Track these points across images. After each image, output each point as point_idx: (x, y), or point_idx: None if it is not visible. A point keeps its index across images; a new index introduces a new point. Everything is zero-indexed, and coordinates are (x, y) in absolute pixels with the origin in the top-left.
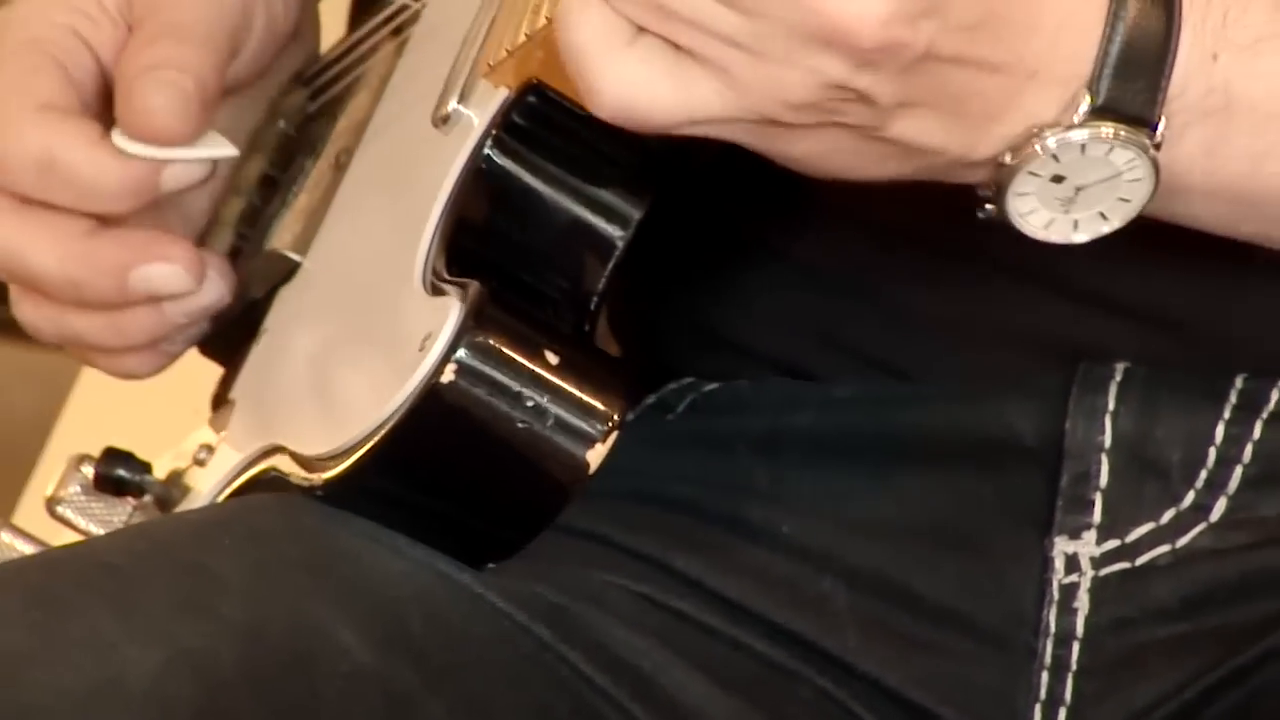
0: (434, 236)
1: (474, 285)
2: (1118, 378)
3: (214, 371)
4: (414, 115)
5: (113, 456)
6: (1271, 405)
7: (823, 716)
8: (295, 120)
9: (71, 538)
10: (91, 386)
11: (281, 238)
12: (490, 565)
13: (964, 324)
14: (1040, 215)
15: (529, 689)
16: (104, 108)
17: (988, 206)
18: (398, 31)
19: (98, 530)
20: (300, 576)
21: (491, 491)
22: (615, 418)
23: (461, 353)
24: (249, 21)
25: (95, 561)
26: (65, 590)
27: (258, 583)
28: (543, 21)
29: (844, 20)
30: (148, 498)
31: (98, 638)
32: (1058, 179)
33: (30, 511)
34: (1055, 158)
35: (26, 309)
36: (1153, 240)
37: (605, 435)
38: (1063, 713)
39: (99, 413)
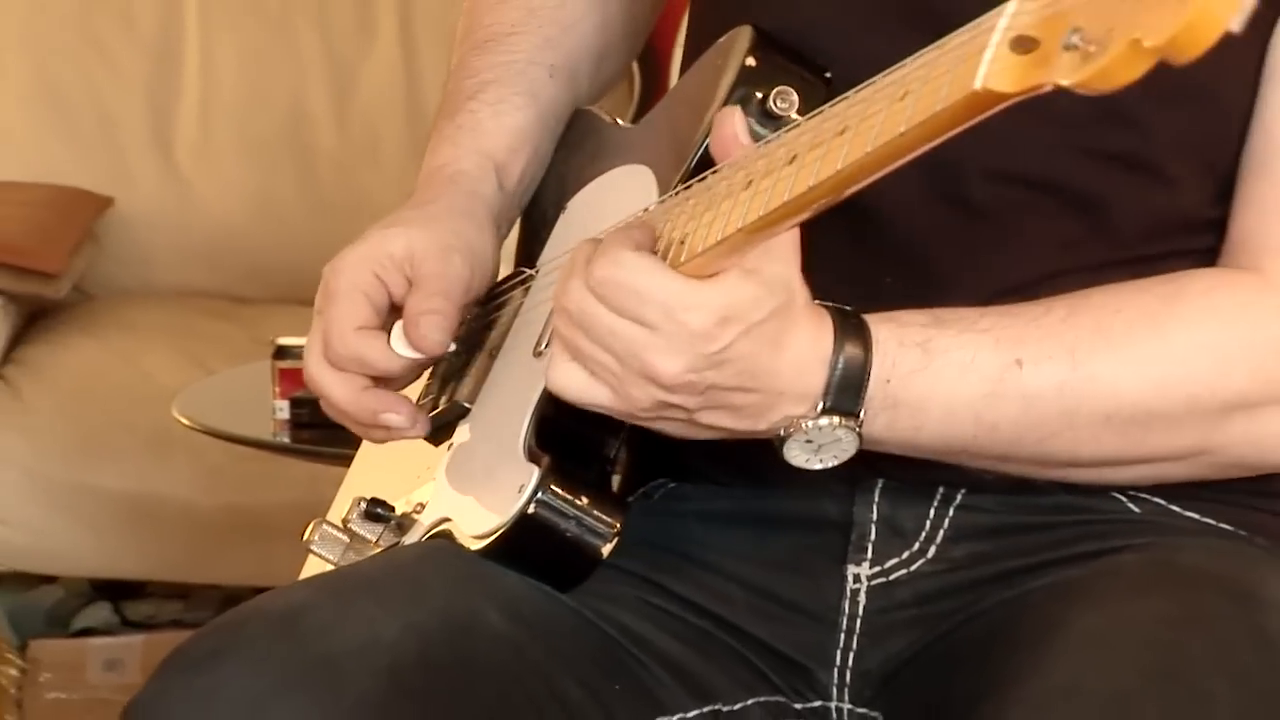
0: (529, 424)
1: (546, 459)
2: (879, 488)
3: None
4: (524, 344)
5: (375, 501)
6: (958, 501)
7: (729, 656)
8: (472, 326)
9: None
10: (360, 465)
11: (462, 393)
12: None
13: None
14: (799, 456)
15: (586, 645)
16: (388, 317)
17: (778, 443)
18: (524, 284)
19: (360, 538)
20: (467, 584)
21: (555, 563)
22: (618, 529)
23: (538, 497)
24: (477, 283)
25: (364, 572)
26: (347, 584)
27: (446, 587)
28: None
29: (659, 370)
30: (393, 520)
31: (365, 615)
32: (809, 441)
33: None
34: (807, 434)
35: (333, 418)
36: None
37: (612, 538)
38: (851, 656)
39: (368, 476)
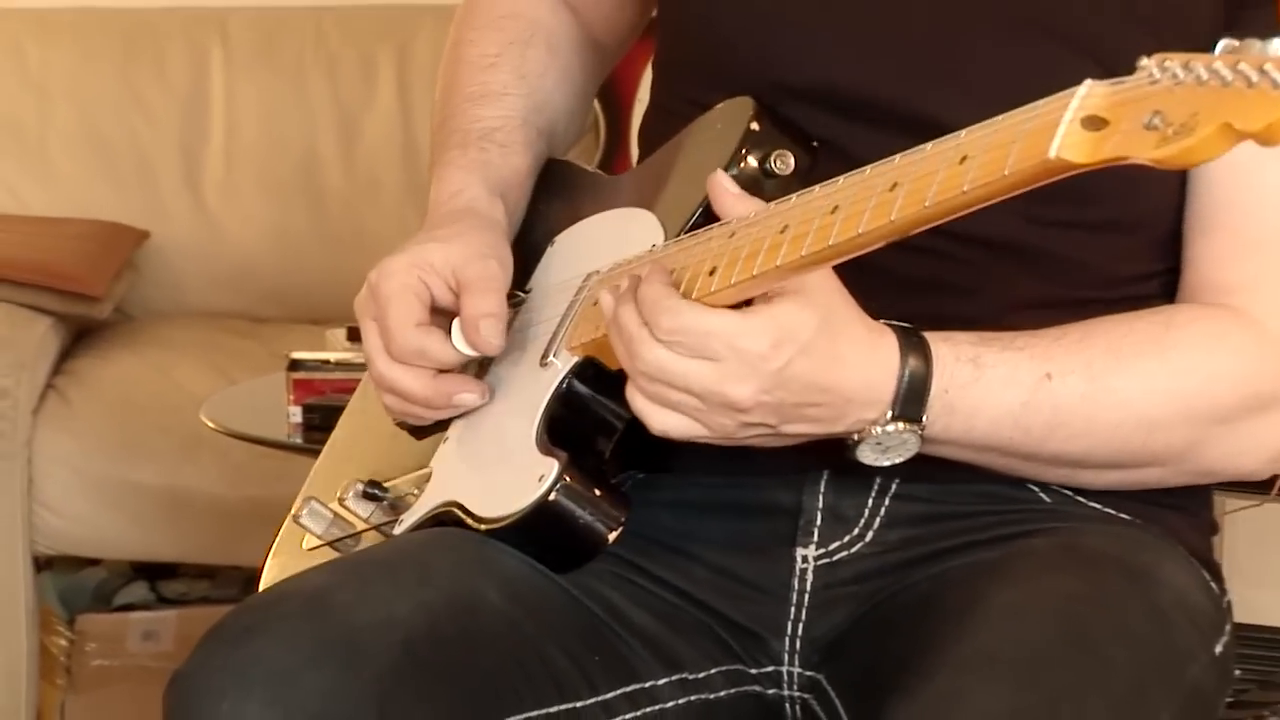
0: (540, 422)
1: (564, 454)
2: (824, 480)
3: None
4: (523, 354)
5: (372, 483)
6: (893, 491)
7: (695, 629)
8: None
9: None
10: (338, 450)
11: None
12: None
13: (757, 455)
14: (869, 456)
15: (572, 620)
16: (433, 319)
17: (851, 446)
18: (516, 307)
19: (348, 515)
20: (470, 566)
21: (562, 546)
22: (623, 519)
23: (558, 486)
24: (508, 274)
25: (379, 557)
26: (365, 568)
27: (452, 569)
28: (601, 334)
29: (734, 398)
30: (387, 500)
31: (381, 596)
32: (879, 444)
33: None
34: (877, 438)
35: (393, 401)
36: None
37: (618, 526)
38: (800, 626)
39: (349, 460)
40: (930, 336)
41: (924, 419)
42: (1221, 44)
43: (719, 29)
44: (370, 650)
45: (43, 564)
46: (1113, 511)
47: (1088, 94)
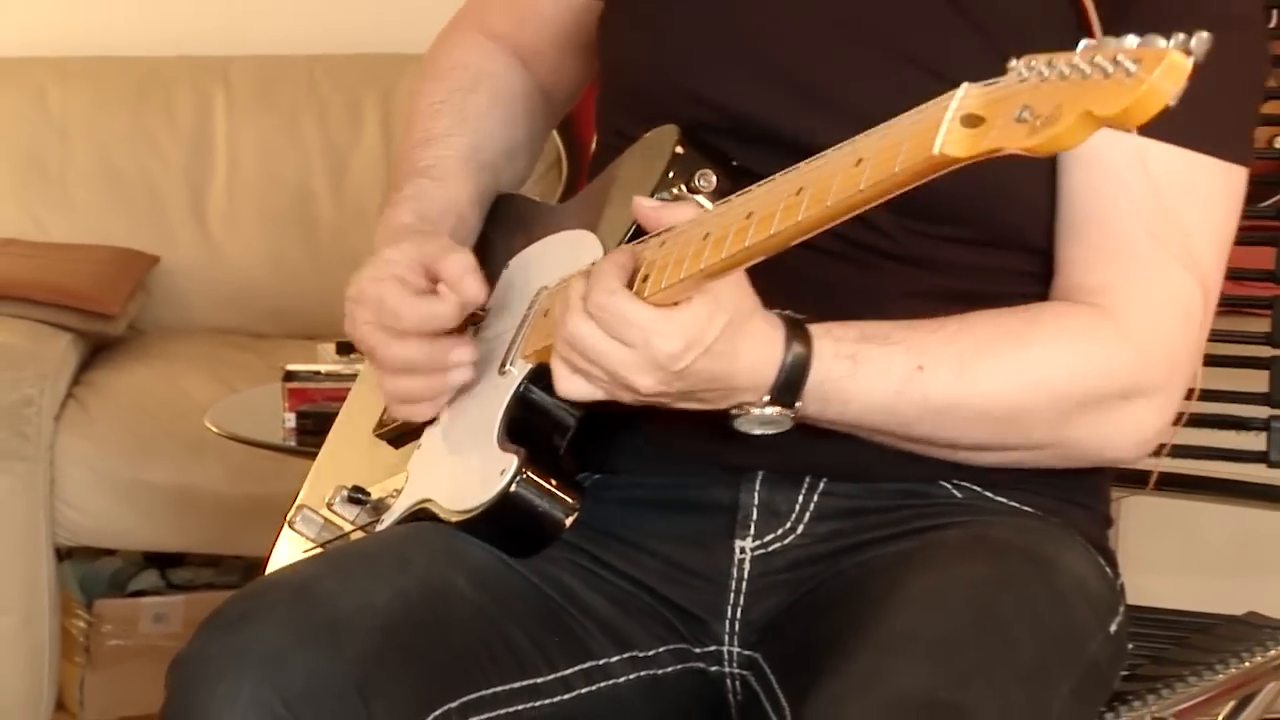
0: (500, 422)
1: (522, 450)
2: (759, 478)
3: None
4: (487, 364)
5: (356, 488)
6: (821, 489)
7: (644, 612)
8: None
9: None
10: (327, 461)
11: None
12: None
13: (699, 458)
14: (746, 427)
15: (533, 604)
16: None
17: (731, 418)
18: (476, 325)
19: (337, 519)
20: (442, 557)
21: (524, 532)
22: (578, 507)
23: (518, 479)
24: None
25: (360, 550)
26: (348, 560)
27: (425, 560)
28: (551, 341)
29: (636, 386)
30: (370, 503)
31: (361, 585)
32: (755, 419)
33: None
34: (754, 415)
35: (400, 383)
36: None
37: (574, 513)
38: (739, 610)
39: (338, 470)
40: (815, 330)
41: (796, 406)
42: (1082, 44)
43: (635, 72)
44: (352, 634)
45: (64, 554)
46: (1018, 506)
47: (965, 95)
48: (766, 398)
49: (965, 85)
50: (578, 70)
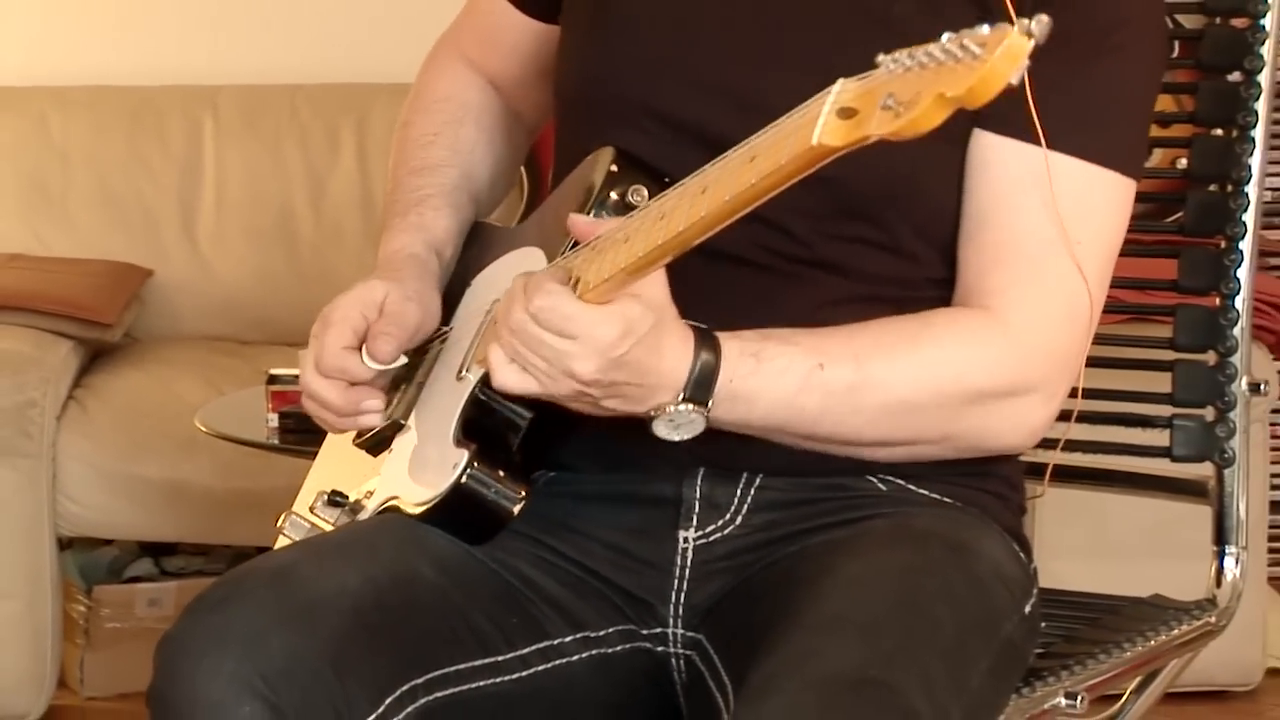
0: (456, 422)
1: (473, 446)
2: (701, 474)
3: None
4: (449, 372)
5: (335, 492)
6: (757, 484)
7: (596, 596)
8: (406, 367)
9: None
10: (317, 469)
11: (398, 412)
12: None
13: (646, 456)
14: (663, 430)
15: (493, 589)
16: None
17: (649, 421)
18: (440, 338)
19: (320, 523)
20: (409, 546)
21: (476, 521)
22: (525, 495)
23: (468, 472)
24: (427, 324)
25: (334, 539)
26: (323, 548)
27: (393, 549)
28: None
29: (578, 371)
30: (348, 505)
31: (335, 571)
32: (671, 420)
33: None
34: (670, 416)
35: (313, 408)
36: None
37: (520, 502)
38: (683, 595)
39: (325, 476)
40: (722, 336)
41: (709, 403)
42: (944, 36)
43: (591, 87)
44: (326, 615)
45: (65, 544)
46: (939, 497)
47: (840, 90)
48: (681, 395)
49: (841, 81)
50: (545, 94)
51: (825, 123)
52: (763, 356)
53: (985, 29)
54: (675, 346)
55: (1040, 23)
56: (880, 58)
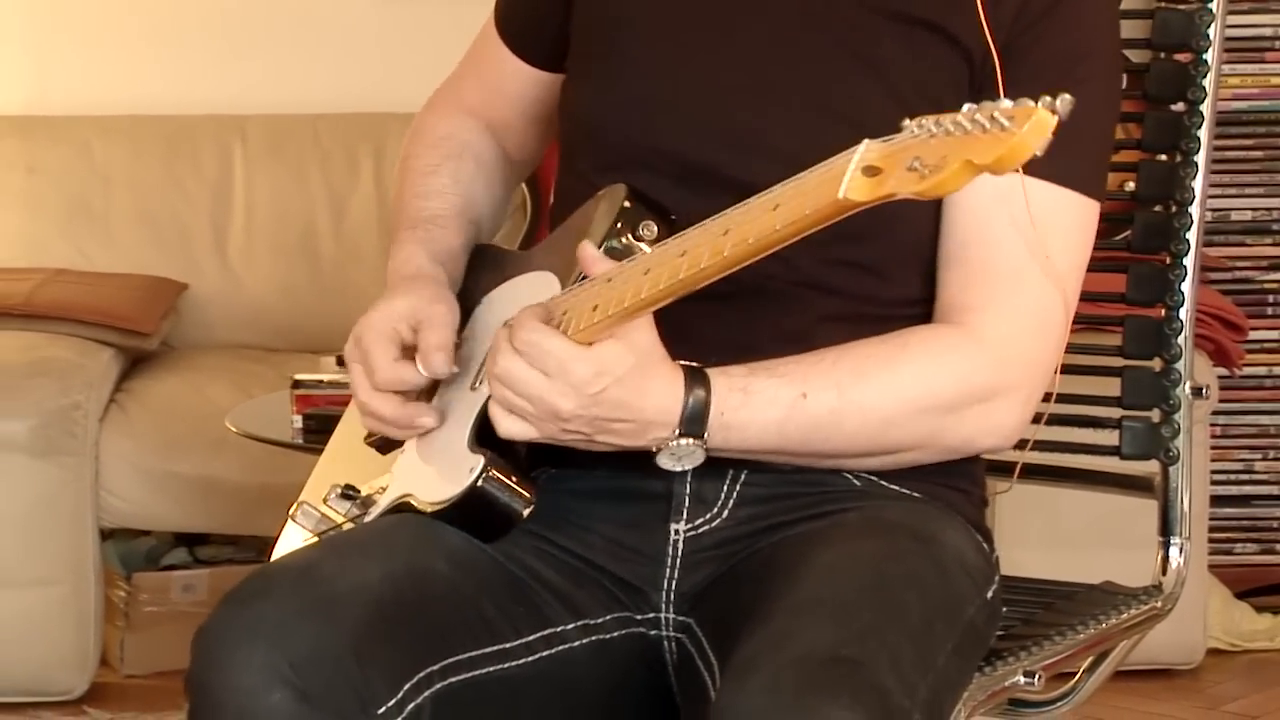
0: (470, 430)
1: (488, 452)
2: (690, 471)
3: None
4: (465, 383)
5: (348, 485)
6: (742, 480)
7: (594, 585)
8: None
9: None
10: (326, 462)
11: None
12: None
13: (639, 455)
14: (667, 463)
15: (500, 580)
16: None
17: (654, 454)
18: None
19: (331, 513)
20: (424, 543)
21: (488, 521)
22: (533, 500)
23: (483, 477)
24: (456, 324)
25: (355, 538)
26: (344, 547)
27: (410, 545)
28: None
29: (558, 408)
30: (359, 499)
31: (356, 567)
32: (672, 454)
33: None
34: (670, 450)
35: (371, 422)
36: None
37: (529, 505)
38: (674, 583)
39: (335, 469)
40: (711, 372)
41: (705, 435)
42: (966, 107)
43: (601, 129)
44: (348, 608)
45: (106, 534)
46: (907, 492)
47: (866, 150)
48: (678, 430)
49: (866, 142)
50: (538, 138)
51: (851, 179)
52: (750, 390)
53: (1007, 103)
54: (662, 387)
55: (1064, 101)
56: (906, 122)
